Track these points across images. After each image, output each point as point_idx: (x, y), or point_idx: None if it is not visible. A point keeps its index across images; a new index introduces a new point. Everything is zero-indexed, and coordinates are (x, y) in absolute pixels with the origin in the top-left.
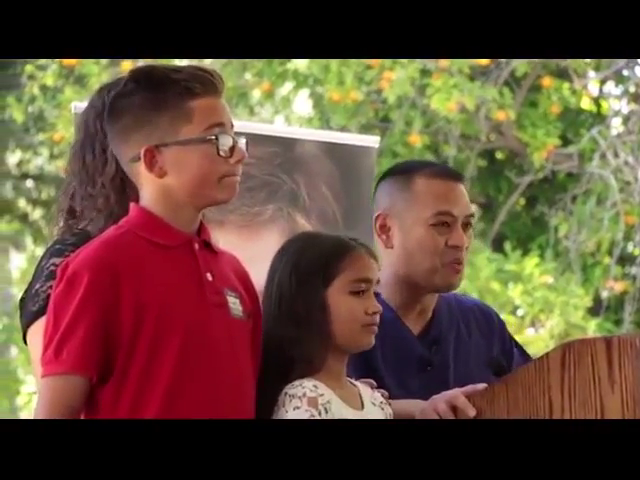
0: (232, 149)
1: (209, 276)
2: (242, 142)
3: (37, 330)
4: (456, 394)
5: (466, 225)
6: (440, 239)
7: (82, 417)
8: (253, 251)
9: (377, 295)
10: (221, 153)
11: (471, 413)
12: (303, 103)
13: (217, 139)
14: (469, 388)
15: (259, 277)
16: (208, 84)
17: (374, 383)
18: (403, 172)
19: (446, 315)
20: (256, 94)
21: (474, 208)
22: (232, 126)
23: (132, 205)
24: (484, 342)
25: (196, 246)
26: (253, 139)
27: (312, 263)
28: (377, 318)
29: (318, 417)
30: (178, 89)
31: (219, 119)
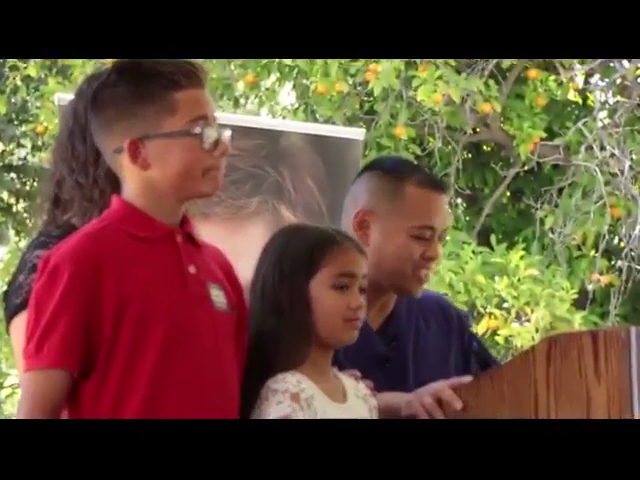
0: (216, 142)
1: (192, 269)
2: (226, 134)
3: (20, 323)
4: (442, 387)
5: (440, 237)
6: (418, 249)
7: (64, 411)
8: (238, 244)
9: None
10: (205, 146)
11: (457, 405)
12: (288, 95)
13: (201, 133)
14: (454, 381)
15: (245, 270)
16: (192, 76)
17: (359, 375)
18: (392, 173)
19: (405, 311)
20: (241, 86)
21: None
22: (215, 119)
23: (114, 197)
24: (443, 337)
25: (179, 239)
26: (238, 131)
27: (295, 256)
28: (360, 313)
29: (300, 412)
30: (162, 81)
31: (203, 112)
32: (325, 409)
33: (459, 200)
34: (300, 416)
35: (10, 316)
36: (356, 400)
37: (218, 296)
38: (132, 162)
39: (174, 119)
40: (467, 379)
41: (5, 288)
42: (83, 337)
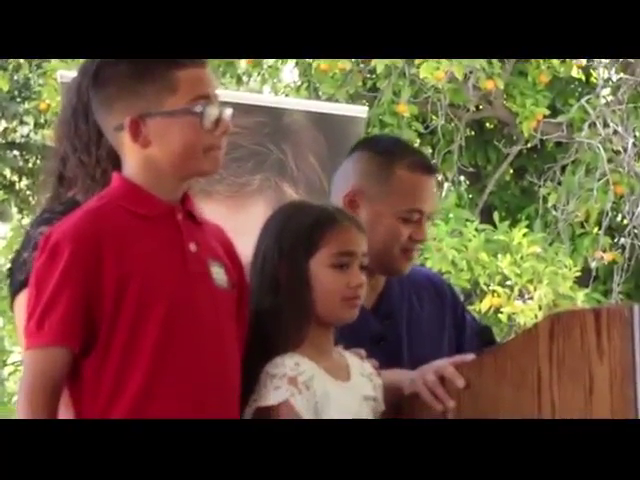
0: (217, 121)
1: (192, 246)
2: (228, 113)
3: (24, 300)
4: (444, 364)
5: (428, 219)
6: (405, 231)
7: (65, 389)
8: (240, 222)
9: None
10: (206, 125)
11: (460, 383)
12: (290, 72)
13: (202, 111)
14: (457, 358)
15: (246, 248)
16: None
17: (364, 353)
18: (384, 155)
19: (397, 289)
20: (243, 63)
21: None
22: (217, 97)
23: (114, 175)
24: (437, 313)
25: (179, 216)
26: (241, 109)
27: (295, 234)
28: (360, 291)
29: (298, 395)
30: (164, 59)
31: (205, 90)
32: (326, 388)
33: (462, 178)
34: (299, 399)
35: (14, 292)
36: (360, 378)
37: (219, 273)
38: (133, 140)
39: (175, 97)
40: (470, 357)
41: (9, 265)
42: (84, 314)
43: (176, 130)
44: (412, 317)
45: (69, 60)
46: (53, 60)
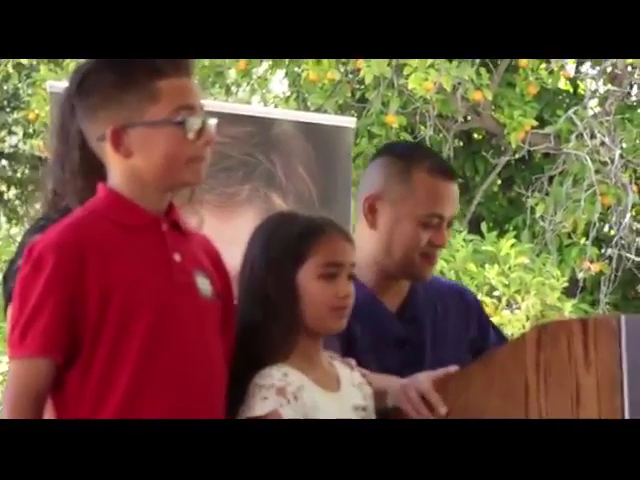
0: (200, 131)
1: (177, 256)
2: (212, 123)
3: None
4: (428, 389)
5: (449, 224)
6: (424, 236)
7: (49, 400)
8: (229, 232)
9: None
10: (188, 136)
11: (442, 411)
12: (280, 83)
13: (184, 121)
14: (441, 372)
15: (235, 259)
16: (179, 65)
17: (353, 363)
18: (403, 159)
19: (422, 296)
20: (232, 73)
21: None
22: (202, 108)
23: (99, 185)
24: (461, 323)
25: (164, 226)
26: (230, 119)
27: (282, 245)
28: (348, 301)
29: (287, 406)
30: (147, 69)
31: (188, 101)
32: (315, 399)
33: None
34: (288, 410)
35: (8, 300)
36: (350, 388)
37: (204, 284)
38: (115, 150)
39: (157, 107)
40: (453, 368)
41: (2, 274)
42: (67, 326)
43: (158, 140)
44: (437, 323)
45: (58, 70)
46: (42, 70)
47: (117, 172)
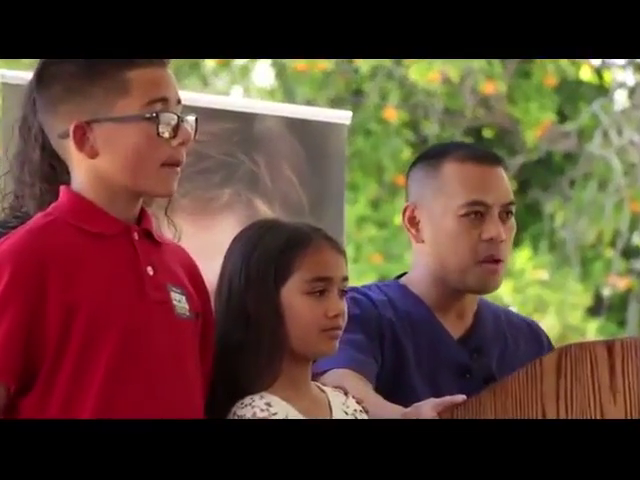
0: (175, 129)
1: (150, 270)
2: (190, 120)
3: None
4: (431, 414)
5: (506, 214)
6: (473, 232)
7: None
8: (207, 241)
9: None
10: (161, 133)
11: None
12: (264, 73)
13: (157, 117)
14: (446, 400)
15: (214, 272)
16: None
17: (346, 389)
18: (433, 156)
19: (492, 325)
20: (210, 63)
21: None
22: (179, 102)
23: (62, 188)
24: (532, 357)
25: (135, 236)
26: (207, 114)
27: (264, 258)
28: (340, 321)
29: None
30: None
31: (162, 93)
32: None
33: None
34: None
35: None
36: (344, 417)
37: (180, 301)
38: (78, 149)
39: (127, 101)
40: (460, 398)
41: None
42: (23, 347)
43: (127, 138)
44: (505, 356)
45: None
46: None
47: (81, 174)
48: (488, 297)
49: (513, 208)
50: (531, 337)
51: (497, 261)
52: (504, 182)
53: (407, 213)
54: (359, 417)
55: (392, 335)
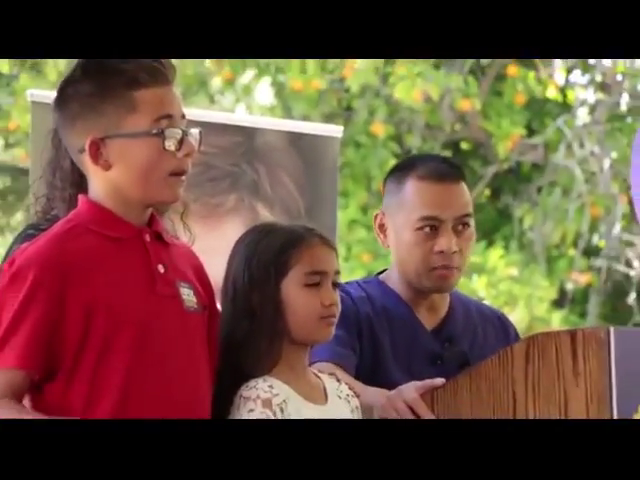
0: (180, 142)
1: (161, 268)
2: (194, 134)
3: None
4: (416, 401)
5: (462, 226)
6: (427, 244)
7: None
8: (214, 242)
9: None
10: (167, 147)
11: (427, 417)
12: (265, 92)
13: (162, 132)
14: (427, 383)
15: (219, 269)
16: (157, 74)
17: (339, 375)
18: (401, 170)
19: (463, 317)
20: (216, 82)
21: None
22: (183, 116)
23: (80, 197)
24: (499, 347)
25: (147, 238)
26: (214, 128)
27: (265, 256)
28: (334, 309)
29: (273, 418)
30: (124, 78)
31: (167, 110)
32: (301, 411)
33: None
34: None
35: None
36: (338, 401)
37: (188, 295)
38: (93, 162)
39: (135, 118)
40: (439, 381)
41: None
42: (46, 340)
43: (136, 152)
44: (475, 344)
45: (39, 78)
46: (22, 78)
47: (98, 184)
48: (465, 290)
49: (469, 219)
50: (500, 327)
51: (448, 268)
52: (460, 197)
53: (377, 220)
54: (351, 401)
55: (369, 329)
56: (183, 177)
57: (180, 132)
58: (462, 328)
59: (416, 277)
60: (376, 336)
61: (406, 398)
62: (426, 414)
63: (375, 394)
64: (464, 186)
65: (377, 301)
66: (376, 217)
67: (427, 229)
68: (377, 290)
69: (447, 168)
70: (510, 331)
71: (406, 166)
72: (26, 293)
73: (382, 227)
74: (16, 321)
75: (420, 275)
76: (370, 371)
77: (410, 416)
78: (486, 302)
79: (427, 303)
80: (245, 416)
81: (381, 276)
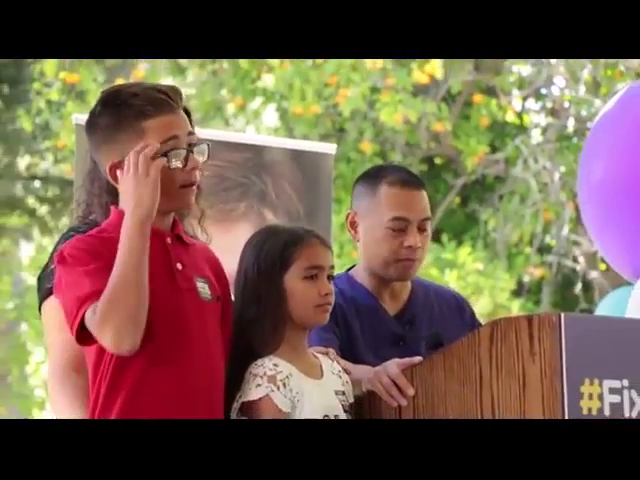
0: (186, 158)
1: (179, 265)
2: (201, 149)
3: (50, 305)
4: (397, 374)
5: (423, 226)
6: (397, 240)
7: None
8: (228, 242)
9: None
10: (172, 166)
11: (410, 392)
12: (271, 116)
13: (166, 154)
14: (407, 361)
15: (232, 265)
16: (162, 104)
17: (332, 355)
18: (372, 177)
19: (422, 300)
20: (230, 108)
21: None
22: (191, 133)
23: (112, 209)
24: (455, 324)
25: (168, 240)
26: (228, 146)
27: (271, 252)
28: (330, 298)
29: (277, 391)
30: (133, 112)
31: (172, 133)
32: (301, 385)
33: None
34: (278, 395)
35: (42, 299)
36: (332, 376)
37: (203, 288)
38: (115, 182)
39: (143, 143)
40: (417, 359)
41: (39, 275)
42: None
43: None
44: (432, 324)
45: (83, 105)
46: (69, 105)
47: (123, 197)
48: (439, 282)
49: (429, 221)
50: (455, 306)
51: (412, 260)
52: (423, 202)
53: (349, 218)
54: (342, 376)
55: (343, 318)
56: (193, 187)
57: (184, 151)
58: (421, 310)
59: (384, 267)
60: (348, 323)
61: (390, 373)
62: (406, 387)
63: (363, 370)
64: (425, 194)
65: (347, 293)
66: (348, 216)
67: (397, 227)
68: (346, 284)
69: (412, 178)
70: (464, 307)
71: (376, 174)
72: (79, 259)
73: (353, 224)
74: (83, 277)
75: (388, 265)
76: (345, 353)
77: (393, 389)
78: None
79: (390, 292)
80: (253, 390)
81: (350, 272)
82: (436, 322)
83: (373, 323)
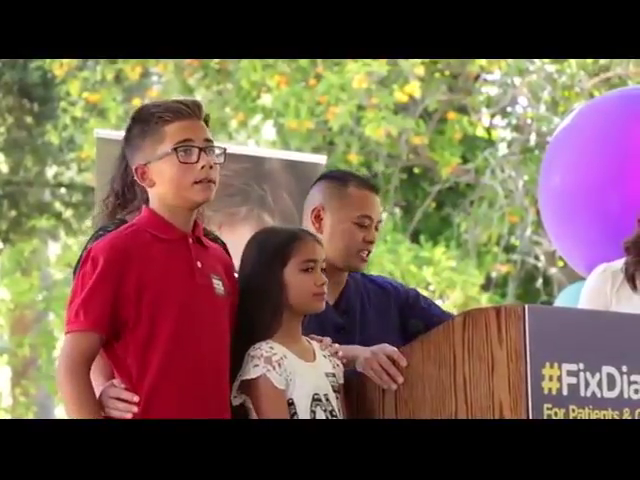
0: (198, 156)
1: (199, 264)
2: (215, 151)
3: None
4: (393, 350)
5: (378, 225)
6: (360, 234)
7: (99, 366)
8: (231, 242)
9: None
10: (185, 161)
11: (404, 363)
12: (269, 130)
13: (176, 150)
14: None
15: (236, 260)
16: (180, 111)
17: (327, 341)
18: (339, 179)
19: (353, 289)
20: (233, 123)
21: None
22: (206, 140)
23: (144, 207)
24: (382, 306)
25: (190, 240)
26: (231, 157)
27: (271, 250)
28: (324, 287)
29: (273, 371)
30: (155, 119)
31: (186, 136)
32: (295, 367)
33: (397, 210)
34: (273, 374)
35: None
36: (323, 359)
37: (218, 285)
38: (142, 182)
39: (163, 146)
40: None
41: (72, 270)
42: (111, 310)
43: (166, 169)
44: (364, 311)
45: (104, 121)
46: (92, 121)
47: (151, 197)
48: (416, 278)
49: (381, 224)
50: (379, 290)
51: (367, 254)
52: (379, 206)
53: (315, 213)
54: (333, 360)
55: None
56: (209, 183)
57: (197, 150)
58: (354, 299)
59: (346, 257)
60: None
61: (387, 351)
62: (402, 362)
63: (358, 349)
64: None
65: None
66: (314, 210)
67: (362, 224)
68: None
69: (374, 184)
70: (386, 288)
71: (343, 177)
72: (99, 272)
73: (318, 218)
74: (90, 294)
75: (350, 256)
76: None
77: (391, 366)
78: (432, 286)
79: (333, 281)
80: (252, 370)
81: None
82: (365, 309)
83: (320, 314)
